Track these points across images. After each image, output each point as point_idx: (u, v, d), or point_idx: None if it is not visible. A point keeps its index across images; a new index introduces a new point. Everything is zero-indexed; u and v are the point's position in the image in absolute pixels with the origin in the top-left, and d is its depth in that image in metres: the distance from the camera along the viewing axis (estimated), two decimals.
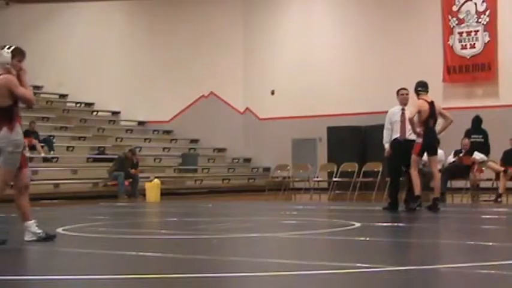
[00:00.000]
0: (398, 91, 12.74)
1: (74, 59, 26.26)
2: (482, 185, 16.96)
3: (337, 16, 24.03)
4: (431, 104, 12.11)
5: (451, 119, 12.43)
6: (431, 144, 12.20)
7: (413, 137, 12.19)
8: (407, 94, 12.56)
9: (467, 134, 16.68)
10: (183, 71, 25.66)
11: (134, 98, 25.85)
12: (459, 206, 15.01)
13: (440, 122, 12.62)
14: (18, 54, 7.80)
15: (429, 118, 12.06)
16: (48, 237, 7.89)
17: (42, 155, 20.64)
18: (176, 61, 25.52)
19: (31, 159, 20.35)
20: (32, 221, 7.88)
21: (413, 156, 12.07)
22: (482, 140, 16.64)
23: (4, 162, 7.73)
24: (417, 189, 12.01)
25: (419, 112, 12.03)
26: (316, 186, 19.12)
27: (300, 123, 24.02)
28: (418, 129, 12.02)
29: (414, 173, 12.03)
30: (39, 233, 7.84)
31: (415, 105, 12.17)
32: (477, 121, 17.07)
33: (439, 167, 16.45)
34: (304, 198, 18.46)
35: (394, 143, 12.53)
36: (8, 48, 7.79)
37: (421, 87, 12.25)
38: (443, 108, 12.94)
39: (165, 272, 6.08)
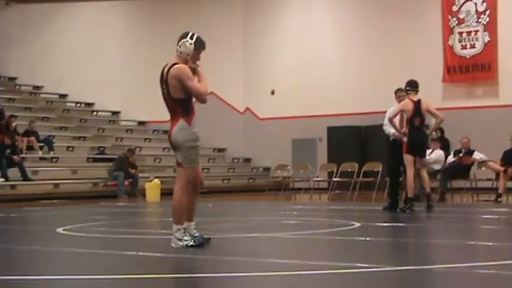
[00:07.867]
0: (396, 91, 12.77)
1: (74, 59, 26.26)
2: (482, 185, 16.97)
3: (337, 16, 24.01)
4: (417, 102, 12.12)
5: (441, 118, 12.43)
6: (417, 143, 12.18)
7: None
8: (404, 96, 12.57)
9: None
10: None
11: (134, 98, 25.83)
12: (459, 206, 15.01)
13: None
14: (199, 46, 7.22)
15: (414, 117, 12.09)
16: (199, 243, 7.18)
17: (39, 153, 20.62)
18: None
19: (31, 159, 20.47)
20: (185, 225, 7.22)
21: (405, 156, 12.13)
22: None
23: (185, 160, 7.20)
24: (410, 191, 12.05)
25: (403, 111, 12.10)
26: (316, 186, 19.11)
27: (300, 123, 24.01)
28: (404, 129, 12.09)
29: (409, 174, 12.06)
30: (186, 240, 7.17)
31: (399, 105, 12.23)
32: None
33: (439, 167, 16.50)
34: (304, 198, 18.45)
35: (392, 142, 12.55)
36: (191, 37, 7.19)
37: (410, 87, 12.29)
38: (443, 109, 12.97)
39: (165, 272, 6.08)
